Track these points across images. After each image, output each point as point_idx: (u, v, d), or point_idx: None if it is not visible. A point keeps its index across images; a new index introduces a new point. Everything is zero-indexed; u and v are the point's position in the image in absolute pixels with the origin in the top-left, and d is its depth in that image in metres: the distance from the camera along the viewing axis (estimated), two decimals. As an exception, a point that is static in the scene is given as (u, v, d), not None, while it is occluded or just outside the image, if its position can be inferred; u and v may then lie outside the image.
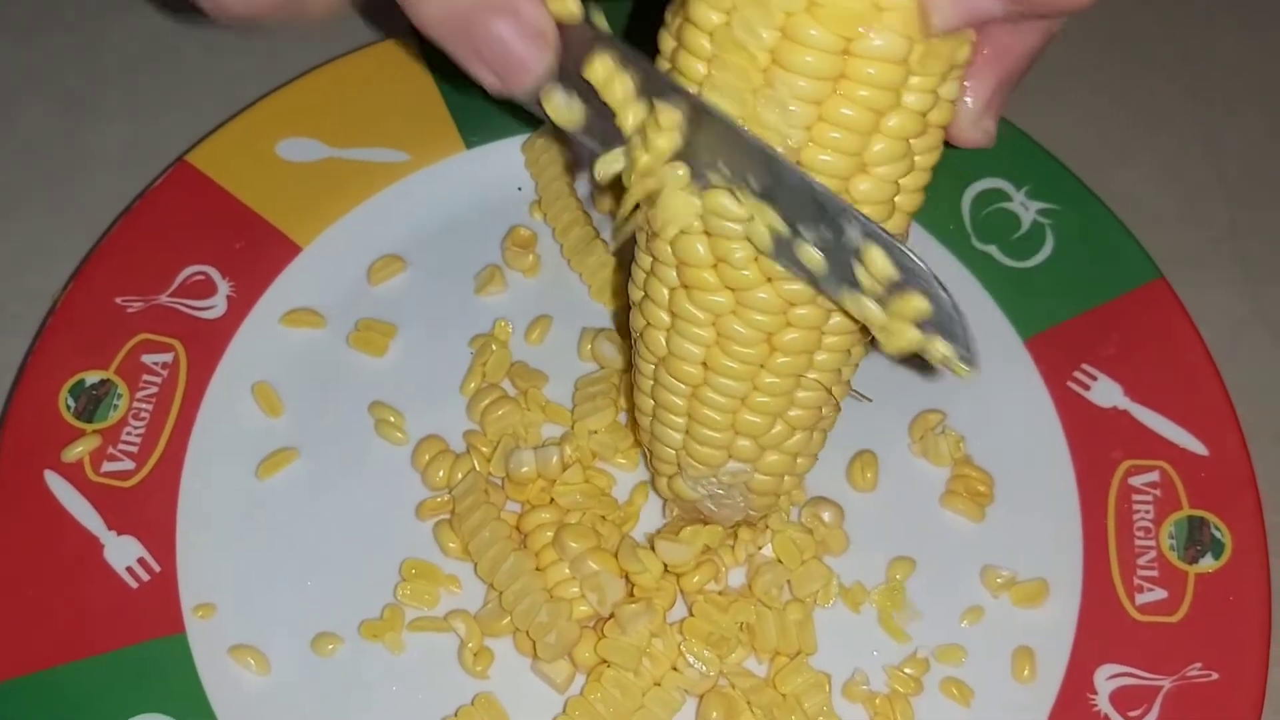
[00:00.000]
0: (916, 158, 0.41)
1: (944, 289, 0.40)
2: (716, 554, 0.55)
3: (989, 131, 0.43)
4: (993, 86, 0.43)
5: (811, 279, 0.42)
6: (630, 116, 0.41)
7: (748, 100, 0.39)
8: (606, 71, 0.41)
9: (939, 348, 0.41)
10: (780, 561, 0.55)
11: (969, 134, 0.43)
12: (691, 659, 0.53)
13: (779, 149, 0.40)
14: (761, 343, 0.45)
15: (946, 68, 0.40)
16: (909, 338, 0.41)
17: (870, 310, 0.41)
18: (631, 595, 0.54)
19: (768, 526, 0.55)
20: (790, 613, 0.54)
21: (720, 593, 0.54)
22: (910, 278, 0.40)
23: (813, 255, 0.41)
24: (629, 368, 0.60)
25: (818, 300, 0.43)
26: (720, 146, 0.40)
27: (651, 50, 0.42)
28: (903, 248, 0.40)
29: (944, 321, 0.41)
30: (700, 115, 0.40)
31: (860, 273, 0.41)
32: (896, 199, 0.42)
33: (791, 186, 0.40)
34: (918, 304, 0.41)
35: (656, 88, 0.41)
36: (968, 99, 0.42)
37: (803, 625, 0.54)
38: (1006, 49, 0.42)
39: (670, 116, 0.40)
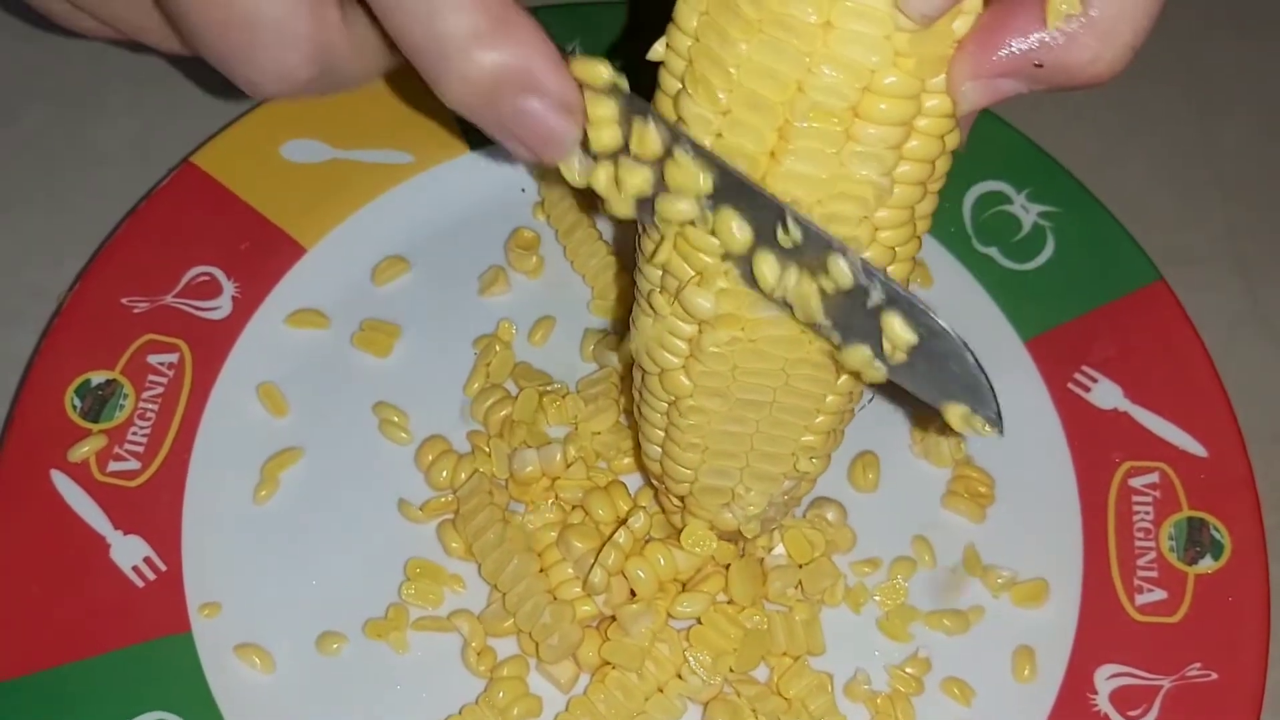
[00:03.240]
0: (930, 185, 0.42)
1: (970, 351, 0.40)
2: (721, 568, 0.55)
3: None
4: None
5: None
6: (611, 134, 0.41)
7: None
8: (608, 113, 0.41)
9: (958, 410, 0.41)
10: (791, 557, 0.55)
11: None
12: (694, 663, 0.53)
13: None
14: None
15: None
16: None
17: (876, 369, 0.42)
18: (633, 596, 0.54)
19: (776, 527, 0.55)
20: (797, 613, 0.54)
21: (729, 601, 0.55)
22: (933, 339, 0.40)
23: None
24: (629, 374, 0.60)
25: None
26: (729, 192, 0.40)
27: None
28: (924, 308, 0.40)
29: (970, 384, 0.41)
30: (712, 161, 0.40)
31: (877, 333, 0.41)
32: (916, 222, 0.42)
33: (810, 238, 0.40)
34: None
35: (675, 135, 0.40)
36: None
37: (810, 626, 0.54)
38: None
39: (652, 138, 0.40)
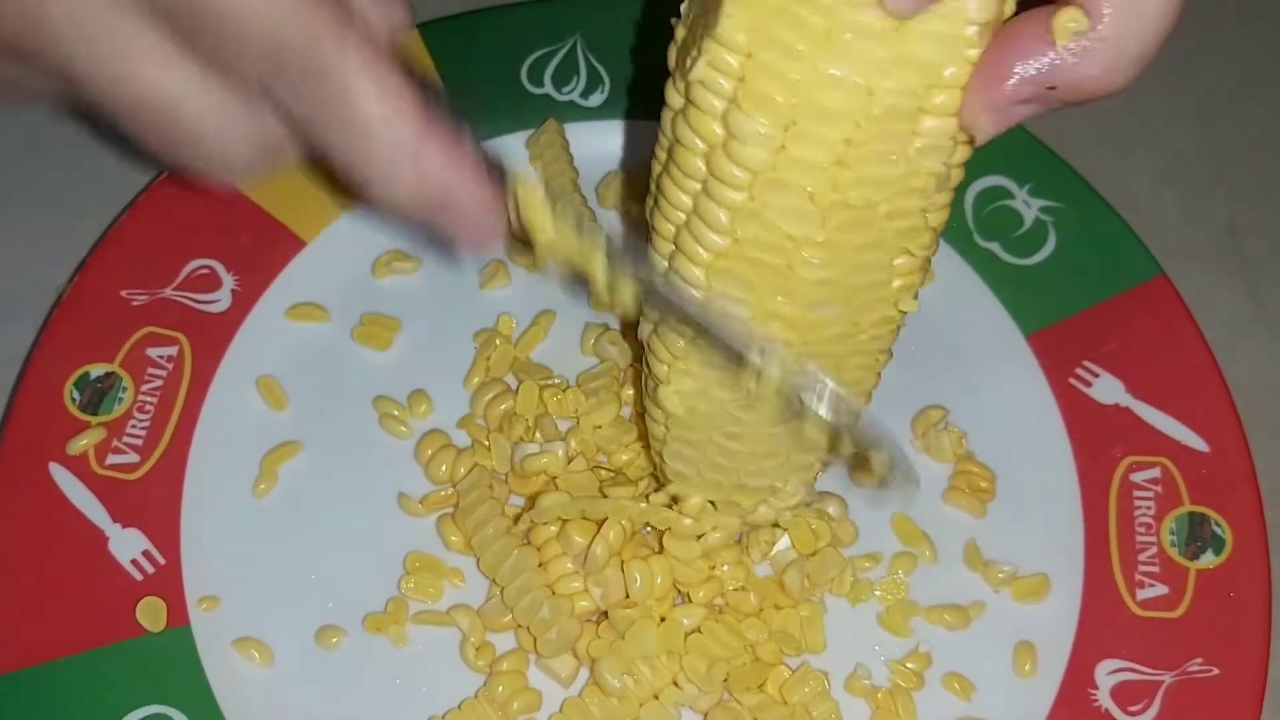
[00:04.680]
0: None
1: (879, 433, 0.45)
2: (720, 565, 0.55)
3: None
4: None
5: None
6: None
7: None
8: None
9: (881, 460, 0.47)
10: (797, 549, 0.55)
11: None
12: (689, 672, 0.53)
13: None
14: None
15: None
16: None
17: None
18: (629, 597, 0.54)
19: (775, 525, 0.55)
20: (800, 610, 0.54)
21: (730, 600, 0.55)
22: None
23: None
24: (634, 362, 0.60)
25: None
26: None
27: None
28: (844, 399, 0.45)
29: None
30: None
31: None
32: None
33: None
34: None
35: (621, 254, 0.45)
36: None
37: (811, 623, 0.54)
38: None
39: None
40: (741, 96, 0.39)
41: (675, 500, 0.53)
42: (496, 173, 0.44)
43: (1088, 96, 0.38)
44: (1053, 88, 0.38)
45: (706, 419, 0.48)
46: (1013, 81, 0.38)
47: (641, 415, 0.56)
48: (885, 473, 0.47)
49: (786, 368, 0.44)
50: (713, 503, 0.53)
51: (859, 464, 0.48)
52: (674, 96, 0.42)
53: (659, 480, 0.55)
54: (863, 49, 0.37)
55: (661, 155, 0.44)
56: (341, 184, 0.45)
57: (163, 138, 0.43)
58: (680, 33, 0.42)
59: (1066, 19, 0.37)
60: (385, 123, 0.40)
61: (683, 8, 0.42)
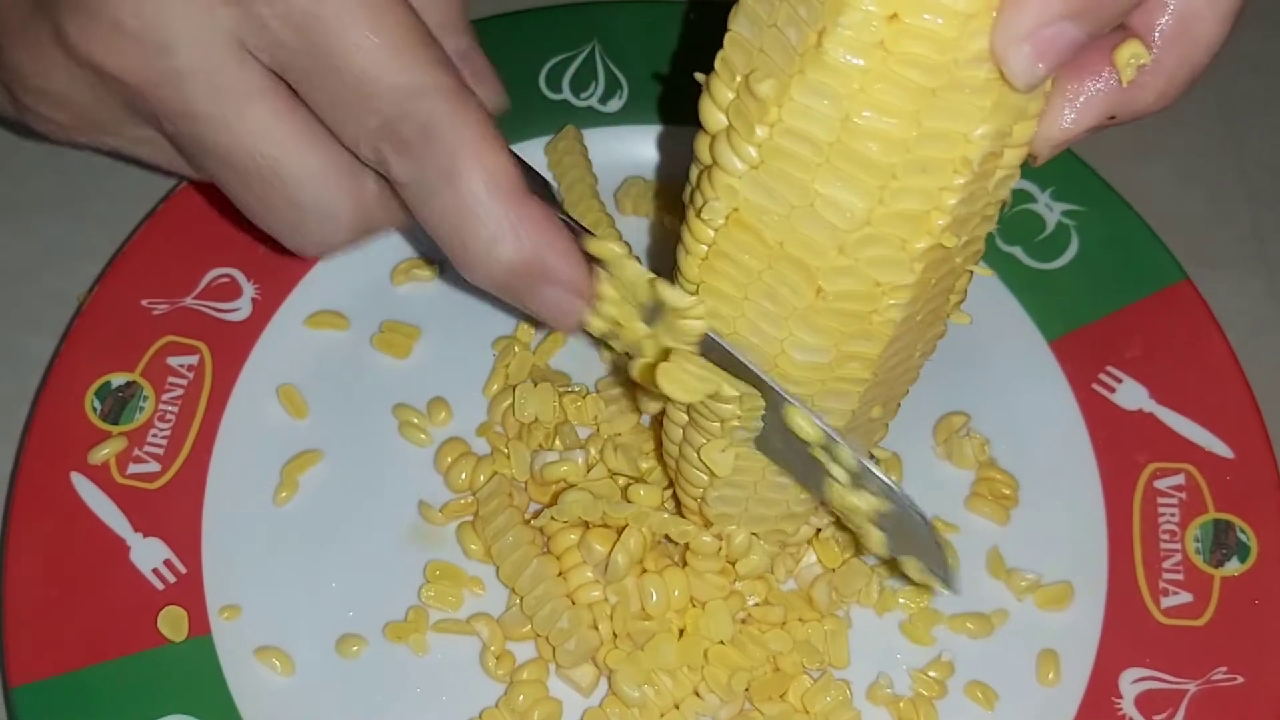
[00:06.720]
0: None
1: (921, 515, 0.45)
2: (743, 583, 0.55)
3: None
4: None
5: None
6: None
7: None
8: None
9: (913, 565, 0.48)
10: (823, 563, 0.55)
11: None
12: (709, 682, 0.53)
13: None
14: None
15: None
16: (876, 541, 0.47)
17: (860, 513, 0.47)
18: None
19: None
20: (824, 624, 0.54)
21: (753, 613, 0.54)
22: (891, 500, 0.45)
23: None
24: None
25: None
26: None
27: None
28: (881, 476, 0.45)
29: (920, 544, 0.47)
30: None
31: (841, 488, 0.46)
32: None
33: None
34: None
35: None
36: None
37: (835, 637, 0.54)
38: None
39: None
40: (836, 159, 0.38)
41: (719, 538, 0.53)
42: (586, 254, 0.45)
43: (1136, 118, 0.40)
44: (1113, 117, 0.40)
45: (759, 463, 0.48)
46: (1080, 115, 0.39)
47: (659, 424, 0.56)
48: (921, 577, 0.49)
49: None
50: (755, 534, 0.53)
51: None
52: (730, 159, 0.40)
53: (678, 501, 0.55)
54: (968, 101, 0.37)
55: (714, 216, 0.42)
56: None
57: (259, 195, 0.44)
58: (721, 91, 0.40)
59: (1128, 55, 0.38)
60: (489, 196, 0.41)
61: (717, 64, 0.40)
